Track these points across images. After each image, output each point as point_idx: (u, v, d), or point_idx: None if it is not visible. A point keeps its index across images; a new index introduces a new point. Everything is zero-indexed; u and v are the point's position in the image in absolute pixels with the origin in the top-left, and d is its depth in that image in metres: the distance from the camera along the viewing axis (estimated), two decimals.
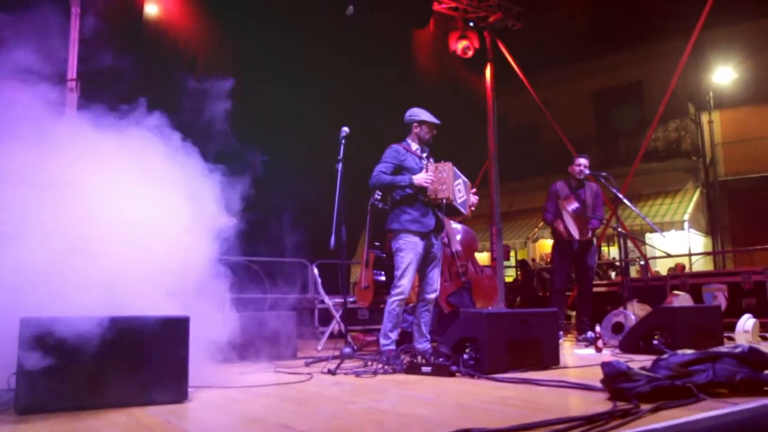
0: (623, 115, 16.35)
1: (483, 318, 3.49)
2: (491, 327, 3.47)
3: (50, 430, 2.10)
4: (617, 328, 5.37)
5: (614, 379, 2.38)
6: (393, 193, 4.25)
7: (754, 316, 5.25)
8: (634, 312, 5.41)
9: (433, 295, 4.24)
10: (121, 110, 3.13)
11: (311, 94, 7.63)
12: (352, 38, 7.84)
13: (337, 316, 5.62)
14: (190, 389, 2.61)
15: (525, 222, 16.79)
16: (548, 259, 10.80)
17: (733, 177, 15.59)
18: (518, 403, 2.50)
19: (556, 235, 5.92)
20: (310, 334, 6.65)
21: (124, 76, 4.05)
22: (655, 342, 4.33)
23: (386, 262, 5.37)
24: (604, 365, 2.46)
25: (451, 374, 3.31)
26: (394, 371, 3.53)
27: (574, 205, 5.71)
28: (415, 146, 4.28)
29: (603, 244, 13.91)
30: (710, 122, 16.02)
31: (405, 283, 4.06)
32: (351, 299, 6.12)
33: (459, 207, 4.20)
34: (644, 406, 2.12)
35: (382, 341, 4.09)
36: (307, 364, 3.96)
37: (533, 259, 15.03)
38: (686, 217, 14.52)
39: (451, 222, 5.39)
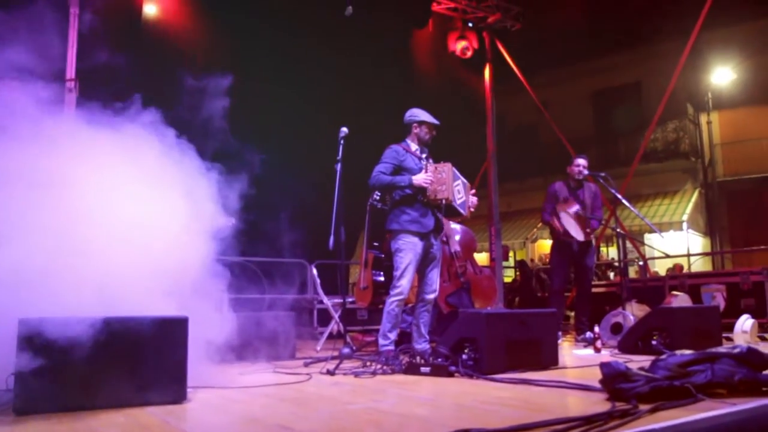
0: (622, 116, 16.38)
1: (482, 318, 3.49)
2: (490, 327, 3.47)
3: (48, 430, 2.09)
4: (616, 328, 5.37)
5: (613, 380, 2.38)
6: (392, 194, 4.25)
7: (753, 317, 5.26)
8: (632, 312, 5.41)
9: (432, 296, 4.24)
10: (120, 109, 3.13)
11: (310, 94, 7.63)
12: (351, 38, 7.84)
13: (336, 316, 5.62)
14: (188, 389, 2.61)
15: (524, 222, 16.80)
16: (547, 260, 10.81)
17: (731, 178, 15.61)
18: (517, 403, 2.49)
19: (555, 235, 5.93)
20: (309, 335, 6.65)
21: (122, 75, 4.05)
22: (653, 342, 4.33)
23: (385, 263, 5.37)
24: (603, 366, 2.46)
25: (450, 375, 3.30)
26: (393, 372, 3.53)
27: (574, 207, 5.69)
28: (414, 147, 4.28)
29: (602, 244, 13.91)
30: (709, 123, 16.04)
31: (404, 283, 4.06)
32: (350, 299, 6.12)
33: (458, 208, 4.20)
34: (643, 407, 2.12)
35: (381, 341, 4.09)
36: (305, 365, 3.95)
37: (532, 260, 15.03)
38: (685, 217, 14.53)
39: (450, 222, 5.39)
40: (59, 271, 2.56)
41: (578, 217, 5.68)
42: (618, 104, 16.64)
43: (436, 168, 4.10)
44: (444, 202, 4.09)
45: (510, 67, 10.12)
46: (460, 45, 9.66)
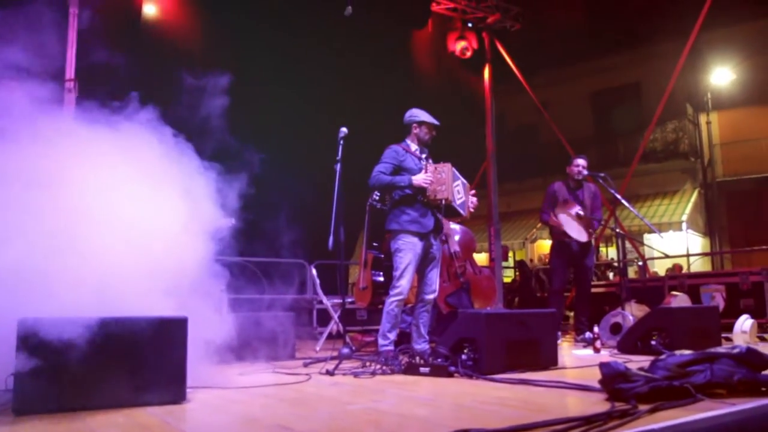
0: (621, 116, 16.39)
1: (481, 318, 3.49)
2: (489, 327, 3.47)
3: (48, 430, 2.09)
4: (615, 328, 5.37)
5: (612, 380, 2.38)
6: (392, 194, 4.25)
7: (752, 317, 5.26)
8: (632, 313, 5.41)
9: (431, 296, 4.24)
10: (118, 109, 3.12)
11: (310, 94, 7.64)
12: (350, 39, 7.84)
13: (336, 316, 5.61)
14: (188, 390, 2.61)
15: (523, 223, 16.80)
16: (546, 260, 10.81)
17: (731, 178, 15.62)
18: (516, 403, 2.50)
19: (554, 236, 5.92)
20: (309, 335, 6.65)
21: (122, 75, 4.05)
22: (653, 342, 4.33)
23: (384, 263, 5.37)
24: (603, 366, 2.46)
25: (450, 375, 3.30)
26: (393, 372, 3.53)
27: (576, 208, 5.68)
28: (414, 147, 4.28)
29: (601, 244, 13.92)
30: (708, 123, 16.05)
31: (404, 283, 4.06)
32: (349, 300, 6.12)
33: (458, 208, 4.20)
34: (642, 407, 2.12)
35: (381, 342, 4.09)
36: (305, 365, 3.95)
37: (531, 260, 15.03)
38: (684, 217, 14.54)
39: (450, 222, 5.39)
40: (58, 272, 2.56)
41: (580, 218, 5.66)
42: (617, 104, 16.66)
43: (435, 168, 4.10)
44: (444, 202, 4.09)
45: (509, 67, 10.12)
46: (460, 45, 9.67)
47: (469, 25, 9.77)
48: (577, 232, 5.63)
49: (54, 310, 2.41)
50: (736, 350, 2.51)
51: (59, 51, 5.33)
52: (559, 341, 4.99)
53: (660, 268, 12.53)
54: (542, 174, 15.10)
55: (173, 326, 2.59)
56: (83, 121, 3.01)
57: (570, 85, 16.82)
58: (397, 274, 4.08)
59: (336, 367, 3.58)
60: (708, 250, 15.53)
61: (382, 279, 5.44)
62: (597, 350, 4.69)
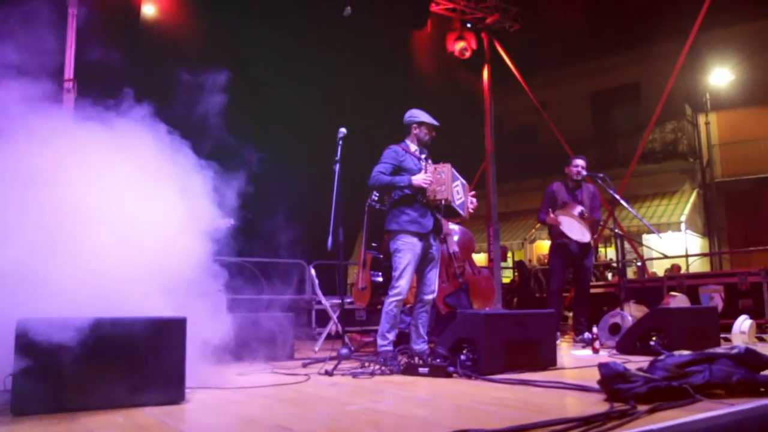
0: (620, 117, 16.41)
1: (480, 319, 3.49)
2: (488, 328, 3.47)
3: (46, 431, 2.09)
4: (614, 329, 5.37)
5: (611, 380, 2.38)
6: (391, 194, 4.25)
7: (751, 317, 5.26)
8: (631, 313, 5.41)
9: (430, 296, 4.24)
10: (117, 108, 3.12)
11: (310, 94, 7.64)
12: (350, 39, 7.85)
13: (335, 317, 5.61)
14: (186, 390, 2.61)
15: (522, 223, 16.80)
16: (545, 261, 10.81)
17: (729, 178, 15.64)
18: (515, 404, 2.50)
19: (553, 236, 5.92)
20: (307, 335, 6.65)
21: (121, 74, 4.05)
22: (651, 343, 4.33)
23: (383, 263, 5.37)
24: (601, 366, 2.46)
25: (449, 375, 3.30)
26: (392, 372, 3.53)
27: (578, 209, 5.66)
28: (413, 147, 4.28)
29: (600, 245, 13.92)
30: (707, 124, 16.06)
31: (403, 284, 4.05)
32: (348, 300, 6.12)
33: (457, 209, 4.20)
34: (641, 407, 2.13)
35: (380, 342, 4.09)
36: (304, 365, 3.95)
37: (530, 260, 15.03)
38: (683, 218, 14.55)
39: (449, 223, 5.39)
40: (57, 272, 2.56)
41: (582, 218, 5.64)
42: (616, 105, 16.67)
43: (435, 168, 4.10)
44: (443, 202, 4.09)
45: (508, 67, 10.13)
46: (459, 45, 9.67)
47: (468, 25, 9.78)
48: (579, 233, 5.59)
49: (52, 310, 2.41)
50: (735, 351, 2.51)
51: (58, 51, 5.33)
52: (558, 342, 4.99)
53: (659, 268, 12.53)
54: (541, 174, 15.10)
55: (172, 327, 2.59)
56: (82, 120, 3.00)
57: (569, 85, 16.83)
58: (396, 274, 4.08)
59: (335, 368, 3.58)
60: (707, 250, 15.54)
61: (381, 279, 5.44)
62: (596, 351, 4.69)
